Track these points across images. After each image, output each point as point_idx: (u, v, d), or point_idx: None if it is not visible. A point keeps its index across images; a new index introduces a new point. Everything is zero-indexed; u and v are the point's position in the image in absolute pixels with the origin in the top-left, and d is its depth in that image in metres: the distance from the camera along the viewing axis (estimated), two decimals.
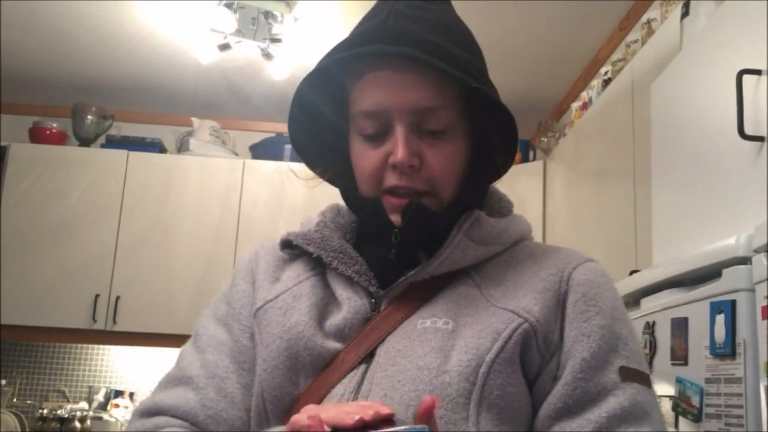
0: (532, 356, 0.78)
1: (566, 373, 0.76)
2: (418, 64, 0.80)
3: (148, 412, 0.85)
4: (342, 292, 0.85)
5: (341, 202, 0.94)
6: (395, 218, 0.84)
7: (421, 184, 0.83)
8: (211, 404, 0.83)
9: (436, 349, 0.77)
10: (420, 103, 0.81)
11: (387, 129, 0.83)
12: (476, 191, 0.88)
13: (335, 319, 0.84)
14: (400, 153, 0.81)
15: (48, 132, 3.89)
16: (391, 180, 0.83)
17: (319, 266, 0.89)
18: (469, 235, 0.84)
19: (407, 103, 0.81)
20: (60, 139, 3.92)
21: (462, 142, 0.86)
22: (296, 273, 0.90)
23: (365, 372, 0.79)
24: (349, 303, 0.84)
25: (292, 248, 0.91)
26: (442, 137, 0.83)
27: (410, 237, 0.84)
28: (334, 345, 0.82)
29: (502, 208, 0.91)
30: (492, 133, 0.87)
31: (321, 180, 0.95)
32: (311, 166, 0.94)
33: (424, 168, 0.83)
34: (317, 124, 0.92)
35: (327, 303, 0.86)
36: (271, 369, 0.82)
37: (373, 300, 0.84)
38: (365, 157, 0.85)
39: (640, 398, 0.76)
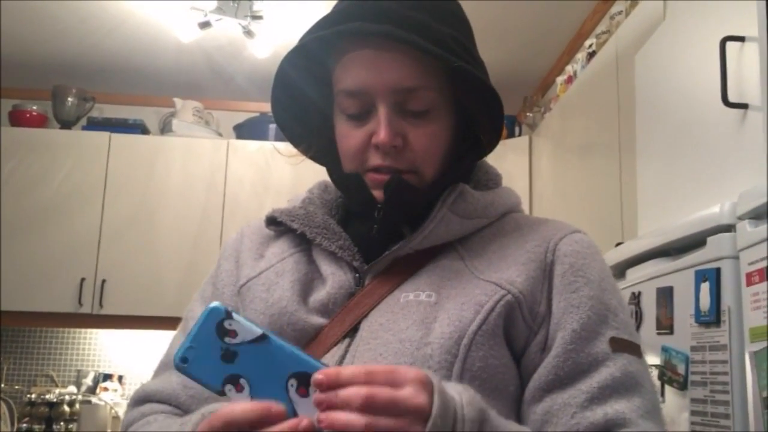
0: (518, 328, 0.77)
1: (556, 344, 0.76)
2: (398, 42, 0.78)
3: (137, 400, 0.87)
4: (326, 267, 0.85)
5: (328, 179, 0.94)
6: (377, 194, 0.83)
7: (404, 164, 0.82)
8: (192, 384, 0.83)
9: (418, 321, 0.76)
10: (402, 83, 0.80)
11: (370, 108, 0.82)
12: (461, 168, 0.88)
13: (319, 295, 0.83)
14: (382, 134, 0.80)
15: (28, 115, 3.83)
16: (375, 160, 0.83)
17: (304, 242, 0.89)
18: (453, 210, 0.83)
19: (389, 83, 0.80)
20: (40, 122, 3.87)
21: (446, 121, 0.85)
22: (280, 250, 0.89)
23: (349, 346, 0.79)
24: (333, 278, 0.84)
25: (277, 225, 0.91)
26: (425, 117, 0.82)
27: (392, 212, 0.84)
28: (318, 320, 0.81)
29: (489, 181, 0.91)
30: (477, 111, 0.86)
31: (304, 157, 0.95)
32: (295, 143, 0.93)
33: (407, 148, 0.82)
34: (300, 102, 0.91)
35: (311, 278, 0.85)
36: None
37: (357, 275, 0.84)
38: (348, 137, 0.84)
39: (631, 369, 0.76)
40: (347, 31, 0.80)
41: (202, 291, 0.93)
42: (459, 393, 0.65)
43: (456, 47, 0.81)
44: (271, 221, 0.91)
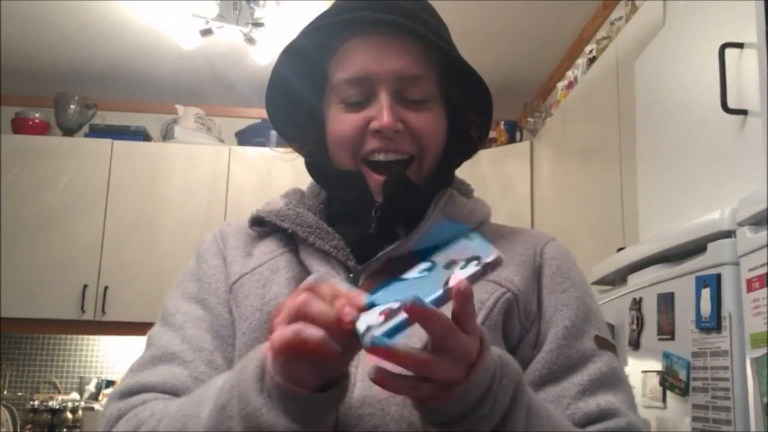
0: (513, 325, 0.80)
1: (549, 340, 0.79)
2: (406, 31, 0.81)
3: (129, 392, 0.78)
4: (319, 267, 0.84)
5: (303, 188, 0.94)
6: (377, 196, 0.84)
7: (406, 146, 0.83)
8: (203, 377, 0.79)
9: None
10: (406, 70, 0.82)
11: (370, 96, 0.83)
12: (453, 167, 0.90)
13: None
14: (385, 117, 0.81)
15: (31, 122, 3.85)
16: (372, 144, 0.83)
17: (290, 244, 0.87)
18: (444, 212, 0.85)
19: (393, 69, 0.82)
20: (43, 129, 3.88)
21: (441, 114, 0.87)
22: (269, 249, 0.88)
23: None
24: (327, 278, 0.82)
25: (262, 225, 0.89)
26: (423, 105, 0.84)
27: (391, 212, 0.84)
28: None
29: (466, 190, 0.94)
30: (468, 108, 0.88)
31: (298, 155, 0.94)
32: (288, 141, 0.94)
33: (407, 132, 0.83)
34: (293, 104, 0.91)
35: (303, 278, 0.84)
36: (251, 342, 0.80)
37: (351, 275, 0.83)
38: (343, 123, 0.84)
39: (614, 365, 0.81)
40: (354, 19, 0.82)
41: (182, 288, 0.88)
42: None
43: (452, 44, 0.85)
44: (257, 222, 0.89)
